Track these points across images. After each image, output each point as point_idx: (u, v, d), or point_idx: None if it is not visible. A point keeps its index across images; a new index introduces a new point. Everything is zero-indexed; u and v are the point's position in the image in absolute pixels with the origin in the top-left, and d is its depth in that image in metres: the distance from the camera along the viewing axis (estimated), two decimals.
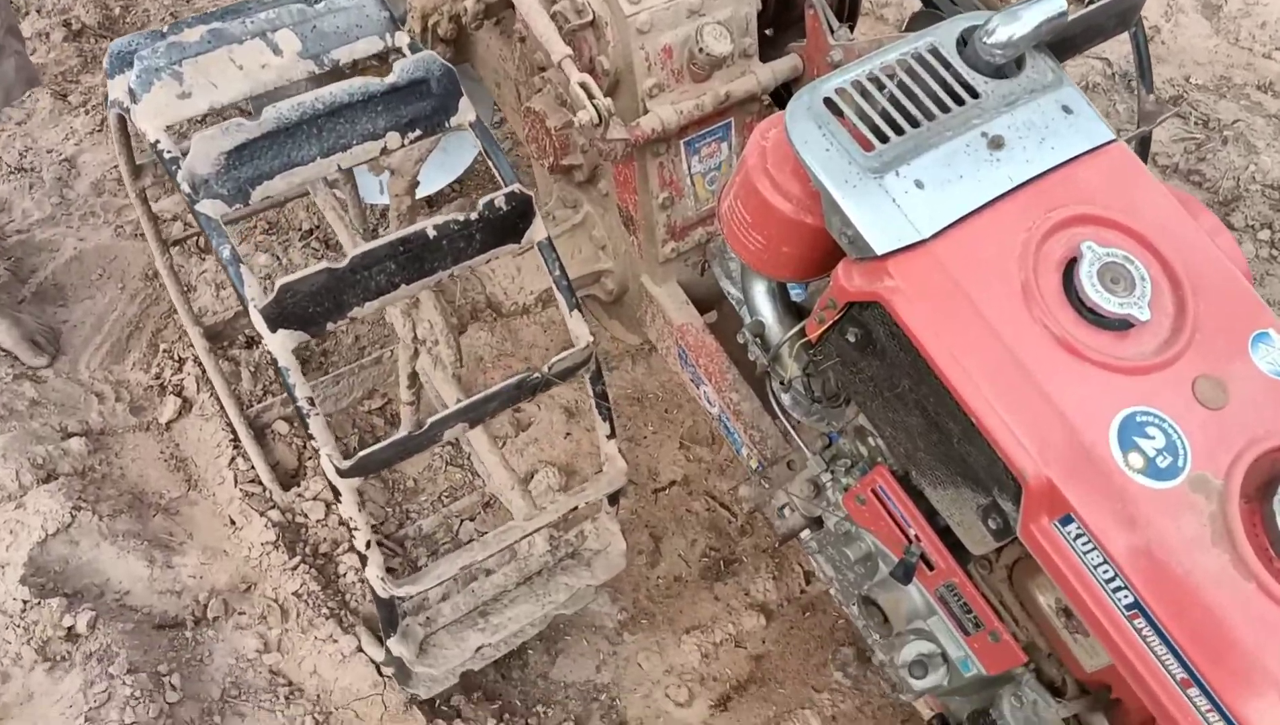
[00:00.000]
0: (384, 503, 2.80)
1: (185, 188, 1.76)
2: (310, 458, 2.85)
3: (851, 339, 1.62)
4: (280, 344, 1.73)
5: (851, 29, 2.51)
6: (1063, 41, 1.69)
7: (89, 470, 2.77)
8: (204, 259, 3.29)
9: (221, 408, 2.85)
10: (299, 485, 2.76)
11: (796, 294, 1.96)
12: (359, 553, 1.89)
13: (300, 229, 3.41)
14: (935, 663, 1.84)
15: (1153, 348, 1.45)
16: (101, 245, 3.29)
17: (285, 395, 2.80)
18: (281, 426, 2.86)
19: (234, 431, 2.84)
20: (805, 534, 2.05)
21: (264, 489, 2.76)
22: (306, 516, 2.71)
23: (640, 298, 2.54)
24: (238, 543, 2.65)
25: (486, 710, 2.42)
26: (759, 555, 2.79)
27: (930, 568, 1.75)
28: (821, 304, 1.65)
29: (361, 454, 1.79)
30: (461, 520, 2.76)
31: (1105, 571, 1.40)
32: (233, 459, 2.79)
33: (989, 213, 1.50)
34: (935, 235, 1.48)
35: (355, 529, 1.86)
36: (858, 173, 1.50)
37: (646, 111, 2.20)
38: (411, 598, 1.95)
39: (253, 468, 2.79)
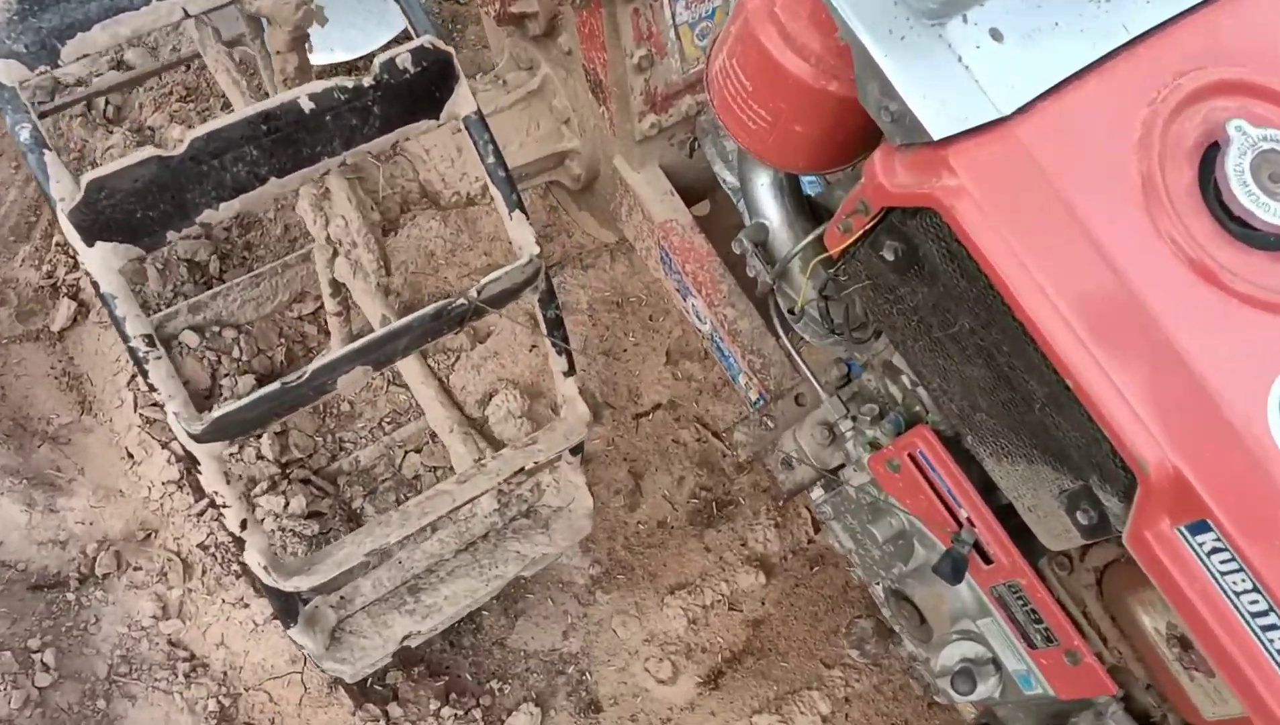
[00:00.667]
0: (313, 431, 2.43)
1: None
2: (226, 375, 2.43)
3: (889, 257, 1.26)
4: (100, 262, 1.31)
5: None
6: None
7: None
8: (110, 131, 2.84)
9: None
10: (211, 410, 2.32)
11: (811, 184, 1.59)
12: (232, 534, 1.46)
13: (224, 95, 2.92)
14: (985, 671, 1.49)
15: None
16: None
17: (193, 300, 2.35)
18: (190, 337, 2.45)
19: None
20: (816, 494, 1.66)
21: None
22: None
23: (614, 185, 2.19)
24: (135, 481, 2.33)
25: (429, 689, 2.09)
26: (758, 496, 2.50)
27: (986, 560, 1.36)
28: (848, 207, 1.27)
29: (219, 413, 1.39)
30: (405, 452, 2.43)
31: (1253, 601, 1.10)
32: (133, 377, 2.44)
33: (1095, 78, 1.15)
34: (1019, 111, 1.12)
35: (224, 506, 1.44)
36: (906, 17, 1.14)
37: None
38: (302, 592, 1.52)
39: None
